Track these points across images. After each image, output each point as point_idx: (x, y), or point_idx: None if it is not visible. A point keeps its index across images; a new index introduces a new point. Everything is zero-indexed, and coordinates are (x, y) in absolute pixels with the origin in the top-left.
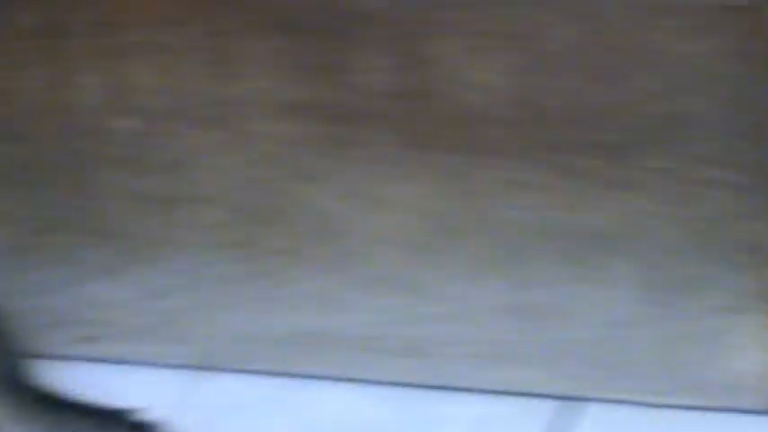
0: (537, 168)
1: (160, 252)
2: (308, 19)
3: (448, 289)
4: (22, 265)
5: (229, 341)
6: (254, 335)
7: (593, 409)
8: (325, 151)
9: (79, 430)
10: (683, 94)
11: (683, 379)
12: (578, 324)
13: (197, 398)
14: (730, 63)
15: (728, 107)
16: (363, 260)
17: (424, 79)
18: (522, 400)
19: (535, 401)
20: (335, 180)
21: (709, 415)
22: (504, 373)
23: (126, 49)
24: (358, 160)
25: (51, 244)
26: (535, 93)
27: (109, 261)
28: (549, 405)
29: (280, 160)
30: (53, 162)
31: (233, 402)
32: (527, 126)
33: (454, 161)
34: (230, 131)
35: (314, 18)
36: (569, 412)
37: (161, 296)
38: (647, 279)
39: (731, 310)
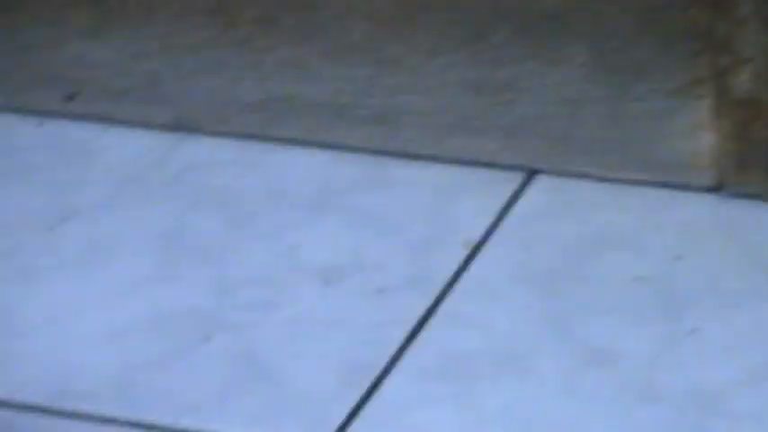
0: None
1: (138, 16)
2: None
3: (413, 61)
4: (6, 23)
5: (205, 105)
6: (229, 100)
7: (544, 180)
8: None
9: None
10: None
11: (631, 155)
12: (533, 100)
13: (174, 155)
14: None
15: None
16: (335, 31)
17: None
18: (482, 170)
19: (492, 171)
20: None
21: (655, 190)
22: (463, 143)
23: None
24: None
25: (36, 2)
26: None
27: (91, 22)
28: (503, 175)
29: None
30: None
31: (208, 161)
32: None
33: None
34: None
35: None
36: (522, 182)
37: (140, 59)
38: (598, 61)
39: (680, 94)
